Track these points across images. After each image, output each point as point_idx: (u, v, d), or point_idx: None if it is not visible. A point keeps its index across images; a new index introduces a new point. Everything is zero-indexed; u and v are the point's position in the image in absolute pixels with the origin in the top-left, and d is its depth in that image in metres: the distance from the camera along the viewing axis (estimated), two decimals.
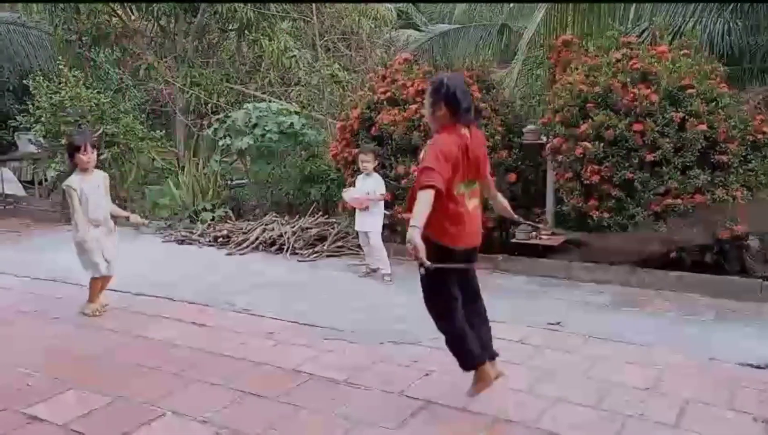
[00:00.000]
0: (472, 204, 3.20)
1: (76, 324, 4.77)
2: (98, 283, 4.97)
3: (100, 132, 8.38)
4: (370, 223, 5.91)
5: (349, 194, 6.04)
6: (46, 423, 3.20)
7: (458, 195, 3.10)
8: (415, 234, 2.85)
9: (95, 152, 4.95)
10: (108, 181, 5.08)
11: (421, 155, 3.14)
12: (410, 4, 15.46)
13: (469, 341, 3.20)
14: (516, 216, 3.74)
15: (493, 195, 3.56)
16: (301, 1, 10.40)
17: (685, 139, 5.27)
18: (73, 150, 4.84)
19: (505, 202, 3.62)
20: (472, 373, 3.27)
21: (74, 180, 4.83)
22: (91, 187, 4.84)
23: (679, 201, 5.25)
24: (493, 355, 3.31)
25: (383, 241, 5.94)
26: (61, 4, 9.88)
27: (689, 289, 5.27)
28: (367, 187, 5.94)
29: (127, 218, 5.26)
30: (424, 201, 2.93)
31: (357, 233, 6.17)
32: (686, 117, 5.31)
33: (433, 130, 3.22)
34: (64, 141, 8.46)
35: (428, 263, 2.86)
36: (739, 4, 7.24)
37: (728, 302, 4.98)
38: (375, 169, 6.00)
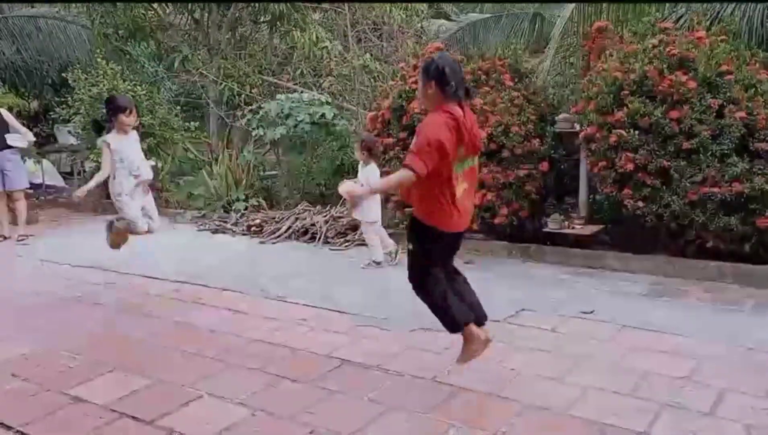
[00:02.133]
0: (462, 187, 3.18)
1: (116, 309, 4.90)
2: (131, 228, 5.05)
3: (137, 123, 8.53)
4: (361, 213, 5.97)
5: (343, 187, 6.07)
6: (88, 403, 3.31)
7: (450, 177, 3.09)
8: (362, 191, 2.87)
9: (135, 116, 5.07)
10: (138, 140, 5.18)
11: (415, 136, 3.13)
12: None
13: (451, 303, 3.25)
14: None
15: None
16: (337, 0, 10.44)
17: (723, 127, 5.17)
18: (118, 110, 4.91)
19: None
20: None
21: (111, 138, 4.92)
22: (128, 145, 4.95)
23: (716, 189, 5.15)
24: (481, 319, 3.34)
25: None
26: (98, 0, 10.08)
27: (727, 280, 5.18)
28: (363, 177, 5.97)
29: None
30: (399, 177, 2.97)
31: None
32: (724, 103, 5.20)
33: (427, 108, 3.25)
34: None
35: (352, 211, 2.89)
36: None
37: (767, 292, 4.88)
38: (372, 158, 6.03)
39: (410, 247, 3.25)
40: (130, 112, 4.94)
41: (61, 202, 10.10)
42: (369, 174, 5.95)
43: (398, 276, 5.51)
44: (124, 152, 4.91)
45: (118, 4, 9.93)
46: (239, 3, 10.23)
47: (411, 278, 3.34)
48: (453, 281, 3.37)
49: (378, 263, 5.98)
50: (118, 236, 5.10)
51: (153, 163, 5.50)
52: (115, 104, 5.00)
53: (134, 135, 5.09)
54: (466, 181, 3.21)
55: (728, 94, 5.21)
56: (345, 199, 2.87)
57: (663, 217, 5.39)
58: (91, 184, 5.06)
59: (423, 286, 3.30)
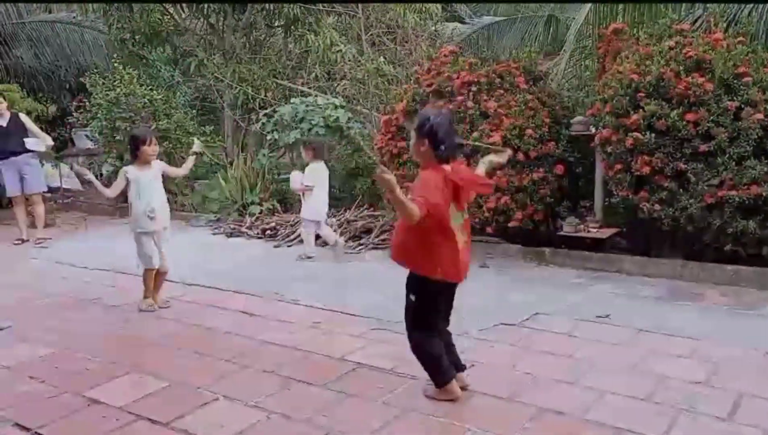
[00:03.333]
0: (463, 240, 3.20)
1: (133, 312, 4.94)
2: (150, 275, 5.00)
3: (153, 128, 8.63)
4: (302, 210, 6.68)
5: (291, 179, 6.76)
6: (105, 405, 3.33)
7: (453, 229, 3.11)
8: (392, 182, 2.83)
9: (157, 145, 5.08)
10: (163, 166, 5.17)
11: (412, 191, 3.15)
12: None
13: (444, 362, 3.26)
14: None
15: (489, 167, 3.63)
16: (349, 1, 10.46)
17: (740, 129, 5.11)
18: (139, 143, 4.92)
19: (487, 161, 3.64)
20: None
21: (131, 169, 4.94)
22: (147, 178, 4.93)
23: (734, 192, 5.10)
24: (460, 368, 3.35)
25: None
26: (115, 3, 10.18)
27: (745, 283, 5.12)
28: (309, 174, 6.59)
29: (193, 154, 5.48)
30: (410, 206, 2.91)
31: None
32: (742, 106, 5.15)
33: (419, 163, 3.28)
34: (119, 136, 8.77)
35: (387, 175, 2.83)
36: None
37: None
38: (316, 158, 6.62)
39: (411, 298, 3.22)
40: (150, 142, 4.93)
41: (78, 206, 10.21)
42: (313, 171, 6.55)
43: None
44: (141, 185, 4.89)
45: (134, 9, 10.03)
46: (254, 8, 10.29)
47: (411, 329, 3.30)
48: (442, 333, 3.35)
49: (309, 258, 6.55)
50: (147, 291, 5.07)
51: (200, 149, 5.52)
52: (135, 138, 5.01)
53: (157, 166, 5.04)
54: (465, 234, 3.23)
55: (746, 96, 5.15)
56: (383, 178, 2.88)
57: (679, 221, 5.35)
58: (95, 182, 5.06)
59: (421, 340, 3.28)
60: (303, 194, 6.68)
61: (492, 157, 3.67)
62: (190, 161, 5.40)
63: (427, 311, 3.25)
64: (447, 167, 3.14)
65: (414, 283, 3.23)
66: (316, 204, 6.56)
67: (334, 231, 7.02)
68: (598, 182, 6.22)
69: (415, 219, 2.94)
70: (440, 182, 3.07)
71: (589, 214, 6.30)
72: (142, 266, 5.02)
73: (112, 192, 5.00)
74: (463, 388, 3.31)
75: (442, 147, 3.10)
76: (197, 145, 5.48)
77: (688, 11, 7.27)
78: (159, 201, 5.03)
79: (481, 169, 3.55)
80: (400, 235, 3.23)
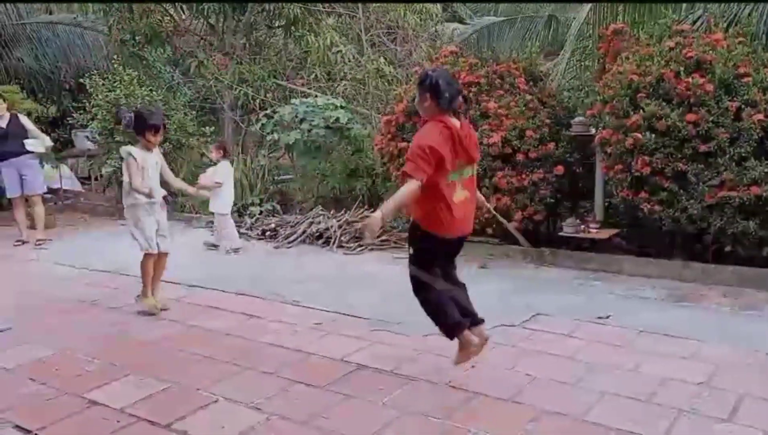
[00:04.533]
0: (463, 195, 3.27)
1: (133, 313, 4.93)
2: (150, 262, 4.93)
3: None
4: (214, 205, 7.02)
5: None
6: (104, 407, 3.33)
7: (448, 185, 3.19)
8: (377, 218, 3.00)
9: (162, 133, 5.03)
10: (161, 158, 5.13)
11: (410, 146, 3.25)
12: None
13: (449, 310, 3.33)
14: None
15: None
16: (350, 0, 10.46)
17: (740, 129, 5.11)
18: (147, 128, 4.82)
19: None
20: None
21: (136, 150, 4.85)
22: (150, 162, 4.90)
23: (734, 193, 5.09)
24: (476, 321, 3.42)
25: None
26: (115, 4, 10.17)
27: (746, 284, 5.12)
28: (216, 172, 6.99)
29: (199, 189, 5.69)
30: (405, 191, 3.09)
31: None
32: (742, 106, 5.15)
33: (425, 119, 3.34)
34: (119, 137, 8.75)
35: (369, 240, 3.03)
36: None
37: None
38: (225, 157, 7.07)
39: (411, 250, 3.39)
40: (158, 131, 4.87)
41: (78, 207, 10.20)
42: (220, 169, 6.96)
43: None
44: (146, 168, 4.85)
45: (134, 10, 10.02)
46: (254, 9, 10.28)
47: (412, 281, 3.43)
48: (452, 288, 3.43)
49: (236, 251, 6.92)
50: (145, 286, 5.03)
51: (194, 191, 5.63)
52: (144, 120, 4.86)
53: (157, 152, 5.02)
54: (466, 190, 3.30)
55: (746, 96, 5.15)
56: (365, 231, 3.01)
57: (680, 221, 5.34)
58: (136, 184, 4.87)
59: (423, 290, 3.39)
60: (211, 192, 6.99)
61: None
62: (190, 189, 5.43)
63: (425, 263, 3.33)
64: (453, 120, 3.21)
65: (411, 234, 3.36)
66: (226, 198, 7.03)
67: (332, 231, 7.08)
68: (598, 183, 6.22)
69: (416, 190, 3.08)
70: (442, 130, 3.15)
71: (589, 214, 6.29)
72: (142, 251, 4.94)
73: (134, 180, 4.79)
74: (485, 340, 3.38)
75: (446, 95, 3.17)
76: (203, 182, 5.58)
77: (688, 11, 7.25)
78: (157, 183, 5.01)
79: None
80: None
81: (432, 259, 3.37)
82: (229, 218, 7.12)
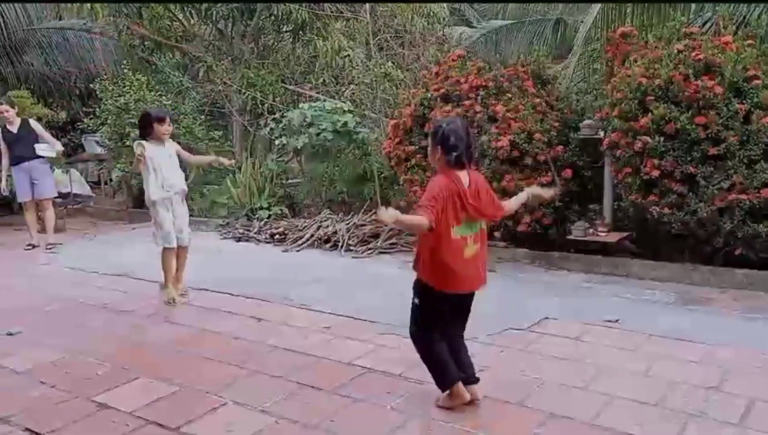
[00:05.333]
0: (474, 249, 3.17)
1: (143, 316, 4.96)
2: (171, 256, 5.06)
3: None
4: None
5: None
6: (115, 410, 3.34)
7: (455, 239, 3.09)
8: (393, 216, 2.86)
9: (171, 126, 5.15)
10: (177, 147, 5.24)
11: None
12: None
13: (446, 364, 3.22)
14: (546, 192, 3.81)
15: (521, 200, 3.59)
16: (357, 1, 10.48)
17: (750, 132, 5.09)
18: (152, 121, 4.97)
19: (525, 195, 3.61)
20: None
21: (147, 144, 4.98)
22: (162, 156, 5.00)
23: (744, 196, 5.06)
24: (471, 379, 3.28)
25: None
26: (124, 10, 10.25)
27: (756, 288, 5.09)
28: None
29: (214, 162, 5.62)
30: (419, 220, 2.97)
31: None
32: (752, 109, 5.12)
33: (435, 169, 3.29)
34: (128, 142, 8.81)
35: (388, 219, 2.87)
36: None
37: None
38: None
39: (415, 301, 3.26)
40: (164, 121, 5.01)
41: (88, 212, 10.27)
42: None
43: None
44: (157, 161, 4.97)
45: (144, 15, 10.10)
46: (263, 14, 10.33)
47: (411, 330, 3.32)
48: (452, 338, 3.30)
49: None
50: (167, 279, 5.13)
51: (211, 159, 5.72)
52: (148, 116, 5.06)
53: (170, 145, 5.14)
54: (478, 243, 3.20)
55: (756, 99, 5.12)
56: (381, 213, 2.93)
57: (689, 225, 5.32)
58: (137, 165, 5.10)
59: (421, 341, 3.28)
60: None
61: (535, 189, 3.69)
62: (208, 158, 5.47)
63: (429, 316, 3.24)
64: (462, 174, 3.13)
65: (417, 287, 3.26)
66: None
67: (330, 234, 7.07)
68: (607, 186, 6.20)
69: (425, 228, 2.98)
70: (445, 188, 3.07)
71: (598, 217, 6.27)
72: (161, 246, 5.07)
73: (135, 167, 5.08)
74: (473, 400, 3.25)
75: (454, 153, 3.11)
76: (227, 161, 5.61)
77: (697, 14, 7.24)
78: (176, 176, 5.12)
79: (522, 195, 3.56)
80: (418, 239, 3.26)
81: (436, 314, 3.25)
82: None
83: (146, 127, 5.02)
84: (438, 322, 3.25)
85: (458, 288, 3.18)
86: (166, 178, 4.99)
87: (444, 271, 3.11)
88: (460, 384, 3.22)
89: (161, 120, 4.99)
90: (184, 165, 5.51)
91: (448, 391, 3.23)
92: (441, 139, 3.14)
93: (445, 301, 3.21)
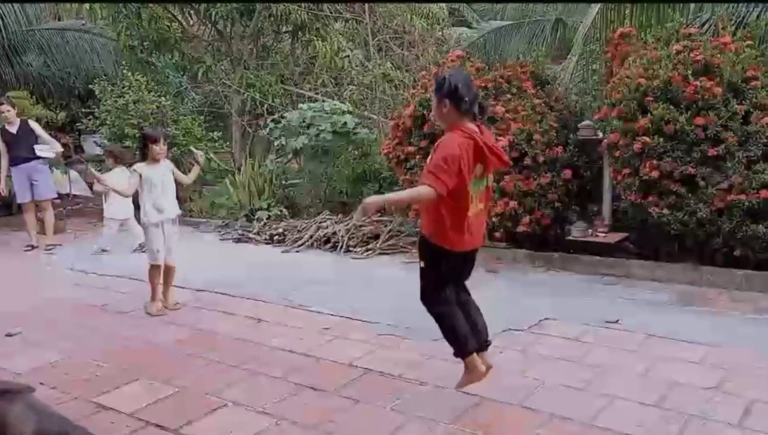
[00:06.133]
0: (478, 208, 3.17)
1: (143, 318, 4.96)
2: (157, 273, 5.08)
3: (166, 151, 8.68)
4: (108, 211, 7.48)
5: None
6: (114, 411, 3.35)
7: (464, 198, 3.06)
8: (379, 200, 2.88)
9: (166, 145, 5.22)
10: (171, 166, 5.29)
11: (431, 156, 3.11)
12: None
13: (460, 327, 3.24)
14: None
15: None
16: (356, 0, 10.48)
17: (749, 133, 5.09)
18: (148, 141, 5.04)
19: None
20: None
21: (142, 166, 5.04)
22: (158, 175, 5.04)
23: (743, 196, 5.07)
24: (484, 344, 3.33)
25: None
26: (123, 11, 10.24)
27: (756, 289, 5.08)
28: (111, 179, 6.86)
29: (196, 163, 5.61)
30: (418, 192, 2.97)
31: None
32: (750, 110, 5.13)
33: (443, 127, 3.22)
34: (127, 142, 8.81)
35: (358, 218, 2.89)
36: None
37: None
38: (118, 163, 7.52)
39: (421, 264, 3.26)
40: (159, 141, 5.05)
41: (87, 212, 10.25)
42: (115, 177, 7.09)
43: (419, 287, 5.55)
44: (153, 181, 5.00)
45: (143, 16, 10.08)
46: (262, 14, 10.32)
47: (422, 295, 3.32)
48: (463, 303, 3.34)
49: (104, 251, 7.33)
50: (153, 292, 5.14)
51: (201, 157, 5.64)
52: (144, 136, 5.13)
53: (166, 164, 5.18)
54: (482, 202, 3.20)
55: (754, 99, 5.13)
56: (359, 208, 2.91)
57: (689, 225, 5.32)
58: (108, 183, 5.51)
59: (434, 305, 3.29)
60: (105, 196, 7.52)
61: None
62: (194, 172, 5.51)
63: (437, 277, 3.23)
64: (472, 127, 3.06)
65: (423, 248, 3.25)
66: (121, 205, 7.26)
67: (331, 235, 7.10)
68: (606, 187, 6.20)
69: (433, 196, 2.95)
70: (463, 142, 2.99)
71: (597, 218, 6.28)
72: (148, 262, 5.11)
73: (129, 190, 5.19)
74: (488, 368, 3.29)
75: (466, 100, 3.02)
76: (198, 154, 5.53)
77: (695, 15, 7.25)
78: (169, 196, 5.14)
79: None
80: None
81: (444, 274, 3.25)
82: (115, 224, 7.47)
83: (144, 148, 5.08)
84: (446, 281, 3.25)
85: (465, 246, 3.17)
86: (157, 201, 5.03)
87: (451, 230, 3.08)
88: (475, 356, 3.22)
89: (155, 140, 5.02)
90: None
91: (465, 368, 3.25)
92: (449, 90, 3.04)
93: (452, 260, 3.19)
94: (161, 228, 5.08)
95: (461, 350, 3.26)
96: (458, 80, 3.07)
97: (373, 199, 2.91)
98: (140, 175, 4.99)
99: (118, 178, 7.06)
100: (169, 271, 5.17)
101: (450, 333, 3.28)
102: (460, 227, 3.10)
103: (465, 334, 3.25)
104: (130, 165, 5.81)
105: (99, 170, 10.99)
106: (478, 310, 3.41)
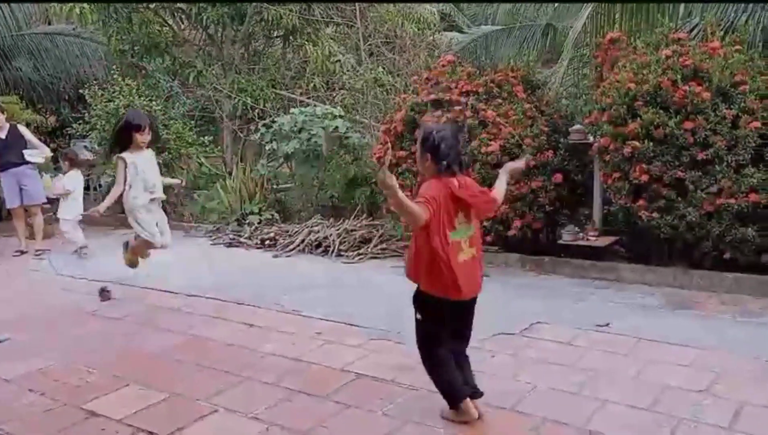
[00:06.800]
0: (470, 253, 3.14)
1: (132, 323, 4.93)
2: (144, 247, 5.14)
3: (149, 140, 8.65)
4: (61, 211, 7.64)
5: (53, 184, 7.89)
6: (104, 418, 3.32)
7: (451, 243, 3.04)
8: (391, 185, 2.78)
9: (150, 133, 5.04)
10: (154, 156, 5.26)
11: None
12: (453, 7, 15.43)
13: (455, 381, 3.18)
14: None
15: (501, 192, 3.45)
16: (348, 0, 10.48)
17: (738, 137, 5.13)
18: (132, 129, 4.85)
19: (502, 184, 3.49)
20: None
21: (126, 154, 4.92)
22: (144, 160, 4.98)
23: (732, 200, 5.11)
24: (475, 393, 3.24)
25: None
26: (114, 15, 10.20)
27: (745, 291, 5.12)
28: (68, 182, 7.63)
29: (180, 183, 5.96)
30: (413, 207, 2.91)
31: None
32: (739, 114, 5.17)
33: (423, 175, 3.24)
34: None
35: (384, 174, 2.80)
36: None
37: None
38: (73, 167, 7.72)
39: (417, 317, 3.21)
40: (143, 130, 4.90)
41: None
42: (70, 179, 7.59)
43: (412, 290, 5.54)
44: (140, 166, 4.95)
45: (133, 20, 10.06)
46: (253, 18, 10.32)
47: (419, 348, 3.27)
48: (458, 354, 3.26)
49: (83, 248, 7.48)
50: (134, 254, 5.12)
51: (180, 181, 5.93)
52: (128, 123, 4.93)
53: (150, 152, 5.11)
54: (473, 247, 3.17)
55: (743, 104, 5.18)
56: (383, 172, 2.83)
57: (678, 229, 5.35)
58: (107, 202, 5.20)
59: (430, 359, 3.23)
60: (61, 198, 7.72)
61: (509, 166, 3.59)
62: (170, 180, 5.56)
63: (432, 328, 3.19)
64: (453, 180, 3.09)
65: (416, 299, 3.21)
66: (75, 205, 7.53)
67: (330, 239, 7.05)
68: (596, 190, 6.23)
69: (420, 221, 2.93)
70: (439, 191, 3.03)
71: (588, 222, 6.31)
72: (140, 238, 5.15)
73: (118, 186, 5.03)
74: (478, 416, 3.20)
75: (444, 162, 3.07)
76: (175, 183, 5.95)
77: (684, 20, 7.30)
78: (157, 178, 5.14)
79: (502, 178, 3.47)
80: (411, 247, 3.19)
81: (439, 325, 3.20)
82: (73, 223, 7.58)
83: (123, 135, 4.86)
84: (443, 334, 3.19)
85: (458, 295, 3.10)
86: (147, 181, 4.95)
87: (443, 278, 3.05)
88: (468, 401, 3.17)
89: (140, 129, 4.82)
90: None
91: (456, 409, 3.18)
92: (431, 147, 3.09)
93: (446, 310, 3.15)
94: (150, 210, 5.02)
95: (455, 398, 3.17)
96: (443, 138, 3.09)
97: (389, 179, 2.83)
98: (125, 161, 4.83)
99: (73, 181, 7.61)
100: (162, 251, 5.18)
101: (443, 382, 3.20)
102: (451, 274, 3.04)
103: (459, 384, 3.18)
104: (90, 167, 6.00)
105: (89, 176, 11.00)
106: (468, 363, 3.32)
